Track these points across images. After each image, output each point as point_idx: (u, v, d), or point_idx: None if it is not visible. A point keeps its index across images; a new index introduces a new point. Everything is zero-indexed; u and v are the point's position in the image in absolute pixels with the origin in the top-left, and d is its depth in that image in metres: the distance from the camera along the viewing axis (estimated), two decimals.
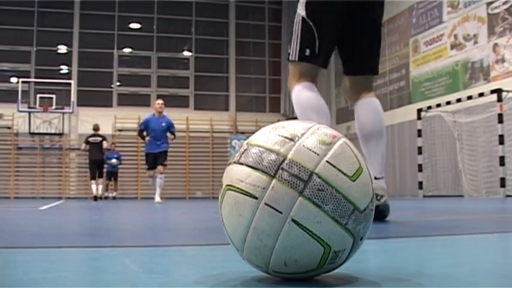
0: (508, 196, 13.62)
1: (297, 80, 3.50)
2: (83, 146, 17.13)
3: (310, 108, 3.44)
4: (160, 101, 14.03)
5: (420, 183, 17.08)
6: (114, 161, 19.30)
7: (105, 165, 18.48)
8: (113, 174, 20.12)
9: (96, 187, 17.38)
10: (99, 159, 17.14)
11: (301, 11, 3.41)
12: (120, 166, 20.51)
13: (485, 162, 15.00)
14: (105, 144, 17.05)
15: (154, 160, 13.51)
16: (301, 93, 3.46)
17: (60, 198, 20.66)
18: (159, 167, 13.47)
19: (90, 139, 17.01)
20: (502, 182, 13.96)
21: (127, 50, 23.71)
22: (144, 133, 13.51)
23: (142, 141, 14.01)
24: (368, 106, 3.61)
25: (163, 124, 13.57)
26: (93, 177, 17.34)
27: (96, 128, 17.38)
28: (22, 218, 5.24)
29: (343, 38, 3.57)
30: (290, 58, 3.52)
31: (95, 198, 17.10)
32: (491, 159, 14.63)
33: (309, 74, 3.50)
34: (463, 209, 6.61)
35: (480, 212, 5.51)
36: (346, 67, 3.71)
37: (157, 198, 13.11)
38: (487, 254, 1.92)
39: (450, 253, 1.87)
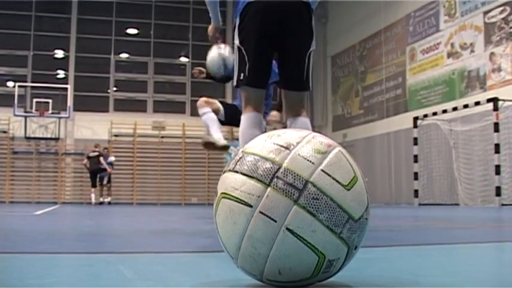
0: (503, 205, 13.63)
1: (244, 108, 3.80)
2: (85, 161, 19.86)
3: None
4: None
5: (416, 191, 17.08)
6: (102, 160, 19.74)
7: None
8: (106, 178, 20.12)
9: (97, 194, 19.85)
10: (96, 169, 19.47)
11: (235, 40, 3.73)
12: (115, 171, 20.46)
13: (481, 171, 15.01)
14: (101, 160, 19.50)
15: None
16: (243, 127, 3.78)
17: (55, 203, 20.61)
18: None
19: (90, 154, 19.69)
20: (498, 191, 13.97)
21: (124, 55, 23.71)
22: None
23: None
24: (297, 126, 3.79)
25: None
26: (93, 185, 19.67)
27: (96, 145, 20.03)
28: (17, 223, 5.23)
29: (278, 54, 3.83)
30: (233, 85, 3.84)
31: (96, 203, 19.33)
32: (487, 168, 14.64)
33: (253, 100, 3.77)
34: (458, 218, 6.61)
35: (475, 221, 5.51)
36: (280, 81, 3.94)
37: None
38: (481, 264, 1.92)
39: (445, 262, 1.88)
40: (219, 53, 5.81)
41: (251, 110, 3.80)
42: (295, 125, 3.85)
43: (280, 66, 3.85)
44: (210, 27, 4.25)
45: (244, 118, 3.81)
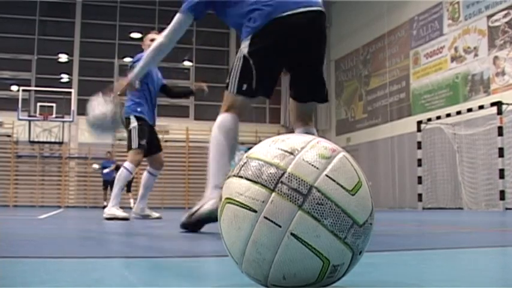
0: (507, 209, 13.61)
1: (226, 109, 3.79)
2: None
3: (222, 144, 3.76)
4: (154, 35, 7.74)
5: (420, 195, 17.07)
6: (106, 170, 19.77)
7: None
8: (109, 183, 20.16)
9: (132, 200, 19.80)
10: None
11: (244, 48, 3.70)
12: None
13: (484, 174, 15.00)
14: None
15: (151, 138, 7.63)
16: (223, 125, 3.75)
17: (59, 207, 20.63)
18: (160, 156, 8.10)
19: None
20: (502, 195, 13.96)
21: (128, 60, 23.74)
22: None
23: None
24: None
25: (159, 75, 8.07)
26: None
27: None
28: (21, 227, 5.23)
29: (290, 65, 3.86)
30: (229, 90, 3.79)
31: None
32: (491, 172, 14.63)
33: (240, 107, 3.78)
34: (462, 222, 6.60)
35: (479, 225, 5.50)
36: (293, 91, 3.99)
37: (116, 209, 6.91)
38: (486, 268, 1.92)
39: (449, 267, 1.87)
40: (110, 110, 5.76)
41: (235, 112, 3.77)
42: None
43: (303, 79, 3.87)
44: (122, 82, 4.34)
45: (223, 116, 3.78)
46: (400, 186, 19.13)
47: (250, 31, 3.68)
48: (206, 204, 3.67)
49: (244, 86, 3.68)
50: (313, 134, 3.85)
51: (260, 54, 3.64)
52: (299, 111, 3.98)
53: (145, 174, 7.42)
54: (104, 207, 19.80)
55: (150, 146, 7.51)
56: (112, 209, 6.87)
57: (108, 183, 20.10)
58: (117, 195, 7.05)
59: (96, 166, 20.98)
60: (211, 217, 3.59)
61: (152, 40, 7.45)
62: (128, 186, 19.61)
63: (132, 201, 19.61)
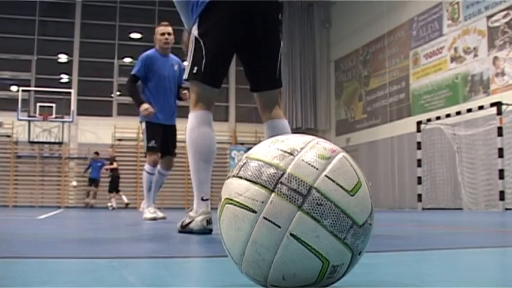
0: (507, 209, 13.61)
1: (194, 105, 3.67)
2: (115, 164, 19.83)
3: (199, 151, 3.75)
4: (167, 28, 7.73)
5: (419, 195, 17.06)
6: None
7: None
8: (94, 182, 20.45)
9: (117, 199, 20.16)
10: (118, 175, 19.78)
11: (194, 31, 3.58)
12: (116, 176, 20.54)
13: (484, 175, 15.00)
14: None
15: (165, 139, 7.74)
16: (192, 125, 3.64)
17: (59, 207, 20.62)
18: (168, 159, 7.84)
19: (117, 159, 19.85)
20: (501, 195, 13.96)
21: (127, 60, 23.75)
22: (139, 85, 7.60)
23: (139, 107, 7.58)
24: (277, 130, 3.69)
25: (176, 68, 7.59)
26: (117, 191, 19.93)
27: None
28: (20, 227, 5.23)
29: (244, 55, 3.76)
30: (183, 77, 3.74)
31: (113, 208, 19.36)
32: (491, 173, 14.63)
33: (204, 99, 3.64)
34: (462, 222, 6.60)
35: (479, 226, 5.50)
36: (251, 84, 3.88)
37: (148, 211, 7.21)
38: (486, 269, 1.92)
39: (449, 267, 1.87)
40: None
41: (201, 107, 3.63)
42: (274, 129, 3.77)
43: (256, 66, 3.76)
44: (185, 37, 3.93)
45: (193, 116, 3.65)
46: (399, 187, 19.13)
47: (196, 14, 3.57)
48: (196, 218, 3.67)
49: (195, 69, 3.55)
50: (283, 126, 3.80)
51: (210, 32, 3.52)
52: (263, 102, 3.84)
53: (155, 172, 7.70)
54: (87, 204, 20.08)
55: (161, 148, 7.72)
56: (145, 210, 7.31)
57: (94, 181, 20.38)
58: (146, 196, 7.47)
59: (74, 183, 21.29)
60: (204, 233, 3.59)
61: (163, 34, 7.64)
62: (112, 186, 19.76)
63: (113, 200, 19.64)
